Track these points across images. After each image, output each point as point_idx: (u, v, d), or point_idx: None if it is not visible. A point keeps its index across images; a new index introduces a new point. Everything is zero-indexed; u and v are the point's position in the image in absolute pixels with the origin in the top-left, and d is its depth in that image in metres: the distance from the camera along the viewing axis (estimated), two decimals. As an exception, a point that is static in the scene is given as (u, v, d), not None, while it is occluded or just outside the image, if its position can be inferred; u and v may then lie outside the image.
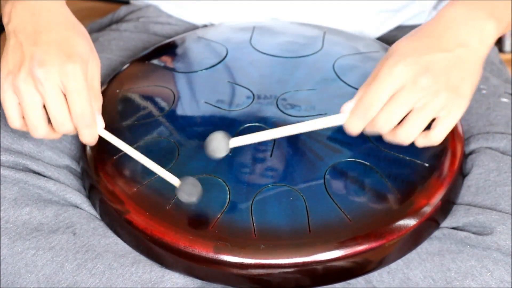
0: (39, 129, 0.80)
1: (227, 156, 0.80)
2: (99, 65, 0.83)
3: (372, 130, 0.79)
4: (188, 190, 0.78)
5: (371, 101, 0.77)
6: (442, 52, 0.77)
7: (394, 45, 0.80)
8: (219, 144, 0.79)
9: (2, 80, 0.79)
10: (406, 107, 0.76)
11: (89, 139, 0.82)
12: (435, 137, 0.78)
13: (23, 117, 0.80)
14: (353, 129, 0.79)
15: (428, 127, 0.78)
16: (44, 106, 0.80)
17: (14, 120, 0.80)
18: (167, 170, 0.82)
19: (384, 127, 0.77)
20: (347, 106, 0.79)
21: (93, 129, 0.81)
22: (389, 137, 0.79)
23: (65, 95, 0.79)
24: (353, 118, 0.78)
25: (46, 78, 0.78)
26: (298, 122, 0.88)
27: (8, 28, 0.82)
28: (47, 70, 0.78)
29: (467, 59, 0.78)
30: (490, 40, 0.80)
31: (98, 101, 0.83)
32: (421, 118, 0.77)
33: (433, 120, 0.78)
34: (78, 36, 0.82)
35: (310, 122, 0.80)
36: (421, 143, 0.79)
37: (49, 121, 0.81)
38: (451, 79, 0.77)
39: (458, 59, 0.78)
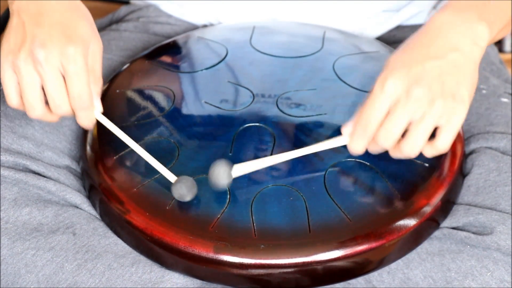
0: (36, 109, 0.80)
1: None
2: (101, 49, 0.83)
3: (375, 147, 0.78)
4: (184, 187, 0.79)
5: (367, 119, 0.76)
6: (433, 59, 0.76)
7: (387, 60, 0.78)
8: (222, 173, 0.79)
9: (3, 58, 0.79)
10: (403, 120, 0.75)
11: (86, 122, 0.82)
12: (441, 146, 0.76)
13: (21, 97, 0.80)
14: (356, 149, 0.78)
15: (433, 136, 0.77)
16: (42, 87, 0.80)
17: (12, 98, 0.80)
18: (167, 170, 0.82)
19: (386, 143, 0.76)
20: (346, 128, 0.79)
21: (90, 112, 0.81)
22: (395, 153, 0.78)
23: (64, 78, 0.79)
24: (354, 139, 0.78)
25: (46, 59, 0.78)
26: (297, 121, 0.88)
27: (12, 8, 0.82)
28: (48, 52, 0.78)
29: (461, 63, 0.77)
30: (482, 42, 0.78)
31: (97, 85, 0.83)
32: (422, 129, 0.75)
33: (436, 128, 0.77)
34: (81, 18, 0.82)
35: (313, 146, 0.81)
36: (429, 153, 0.77)
37: (47, 102, 0.81)
38: (446, 86, 0.75)
39: (451, 65, 0.76)
